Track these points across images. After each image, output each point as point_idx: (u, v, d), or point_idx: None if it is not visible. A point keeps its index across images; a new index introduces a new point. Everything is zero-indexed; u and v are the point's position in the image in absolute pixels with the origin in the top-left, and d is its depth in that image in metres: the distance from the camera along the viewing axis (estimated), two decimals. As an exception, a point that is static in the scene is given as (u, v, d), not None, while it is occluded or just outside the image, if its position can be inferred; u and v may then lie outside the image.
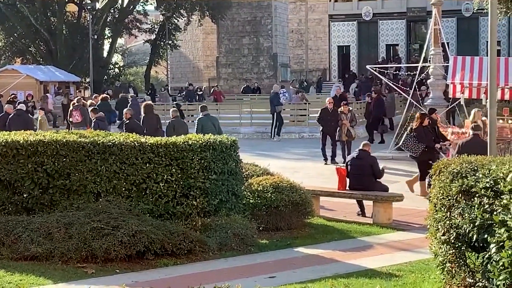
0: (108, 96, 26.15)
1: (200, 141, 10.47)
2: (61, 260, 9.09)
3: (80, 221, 9.50)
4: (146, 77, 58.00)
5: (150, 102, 23.13)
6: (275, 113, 27.67)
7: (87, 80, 48.67)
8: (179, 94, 45.39)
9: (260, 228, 10.95)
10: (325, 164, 19.96)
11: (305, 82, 46.70)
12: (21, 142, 10.43)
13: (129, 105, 23.65)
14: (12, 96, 29.00)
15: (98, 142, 10.39)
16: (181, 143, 10.43)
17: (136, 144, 10.34)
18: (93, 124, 18.41)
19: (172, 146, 10.35)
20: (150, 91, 45.08)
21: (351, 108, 20.79)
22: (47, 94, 35.77)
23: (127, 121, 17.80)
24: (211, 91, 42.91)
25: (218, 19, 53.88)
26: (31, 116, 23.28)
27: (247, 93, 44.31)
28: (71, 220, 9.59)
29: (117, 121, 25.98)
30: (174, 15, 55.50)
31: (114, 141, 10.42)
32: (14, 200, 10.48)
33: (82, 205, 10.12)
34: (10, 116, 19.66)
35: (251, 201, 11.38)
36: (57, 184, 10.38)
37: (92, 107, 20.43)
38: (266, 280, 8.34)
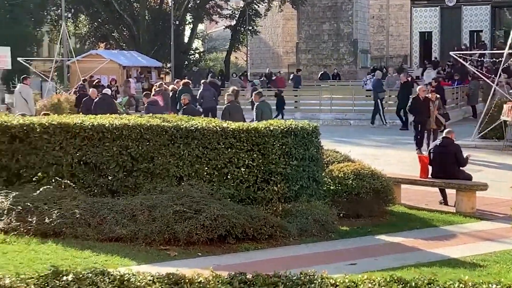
0: (190, 81, 26.41)
1: (282, 127, 10.45)
2: (145, 242, 9.24)
3: (163, 204, 9.62)
4: (226, 62, 58.03)
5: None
6: (378, 100, 27.11)
7: (168, 65, 49.51)
8: (259, 79, 45.51)
9: (341, 215, 10.84)
10: (418, 153, 18.67)
11: (384, 69, 45.89)
12: (106, 125, 10.69)
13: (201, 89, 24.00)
14: (97, 80, 29.58)
15: (181, 126, 10.52)
16: (262, 128, 10.44)
17: (218, 129, 10.41)
18: (144, 108, 18.85)
19: (253, 132, 10.37)
20: (220, 77, 44.86)
21: (438, 96, 20.11)
22: (129, 79, 36.22)
23: (185, 107, 18.01)
24: (273, 78, 42.27)
25: (298, 5, 53.37)
26: (115, 101, 23.90)
27: (325, 79, 43.72)
28: (154, 203, 9.73)
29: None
30: (255, 1, 55.44)
31: (196, 125, 10.53)
32: (99, 182, 10.72)
33: (165, 189, 10.27)
34: (95, 100, 20.07)
35: (331, 187, 11.29)
36: (141, 167, 10.60)
37: (145, 92, 21.09)
38: (347, 267, 8.19)
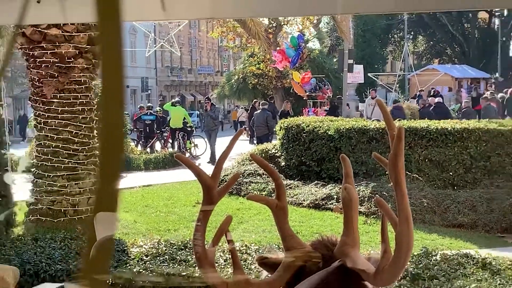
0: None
1: None
2: (484, 229, 9.61)
3: (500, 197, 10.01)
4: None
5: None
6: None
7: (495, 75, 48.99)
8: None
9: None
10: None
11: None
12: (449, 129, 11.26)
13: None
14: (435, 91, 30.23)
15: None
16: None
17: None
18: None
19: None
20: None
21: None
22: (461, 89, 36.93)
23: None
24: None
25: None
26: (448, 108, 24.33)
27: None
28: (492, 196, 10.17)
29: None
30: None
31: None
32: (442, 177, 11.34)
33: (501, 184, 10.66)
34: (432, 107, 20.87)
35: None
36: (479, 165, 11.06)
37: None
38: None
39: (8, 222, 8.40)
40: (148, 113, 22.52)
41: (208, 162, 18.70)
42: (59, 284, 2.87)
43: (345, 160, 1.79)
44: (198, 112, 27.31)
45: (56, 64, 8.93)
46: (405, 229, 1.56)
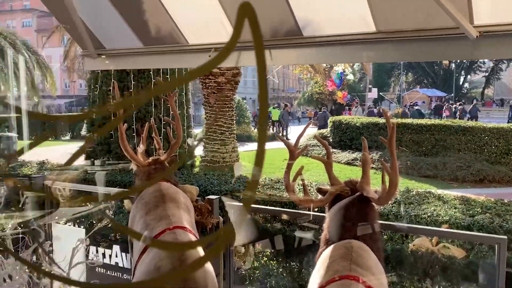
0: None
1: None
2: (441, 179, 13.49)
3: (450, 161, 14.58)
4: None
5: None
6: None
7: (451, 94, 63.19)
8: None
9: None
10: None
11: None
12: (423, 124, 16.42)
13: None
14: (415, 103, 39.51)
15: None
16: None
17: None
18: None
19: None
20: None
21: None
22: (431, 102, 46.34)
23: None
24: None
25: None
26: (422, 112, 35.09)
27: None
28: (446, 160, 14.68)
29: None
30: None
31: None
32: (418, 150, 16.04)
33: (452, 155, 15.24)
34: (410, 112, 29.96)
35: None
36: (439, 144, 15.89)
37: None
38: None
39: (192, 165, 13.13)
40: (259, 112, 35.07)
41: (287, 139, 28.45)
42: (217, 196, 4.07)
43: (364, 140, 2.59)
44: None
45: (215, 86, 14.27)
46: (394, 176, 2.41)
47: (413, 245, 4.91)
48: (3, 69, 22.04)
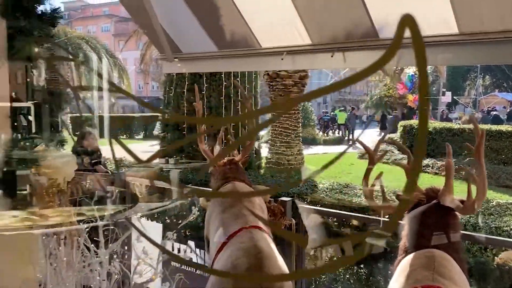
0: None
1: None
2: None
3: None
4: None
5: None
6: None
7: None
8: None
9: None
10: None
11: None
12: (503, 130, 16.11)
13: None
14: (493, 107, 37.82)
15: None
16: None
17: None
18: None
19: None
20: None
21: None
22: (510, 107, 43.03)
23: None
24: None
25: None
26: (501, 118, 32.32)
27: None
28: None
29: None
30: None
31: None
32: (497, 157, 15.70)
33: None
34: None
35: None
36: None
37: None
38: None
39: (258, 166, 14.28)
40: (325, 115, 35.23)
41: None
42: (290, 198, 4.22)
43: (448, 146, 2.46)
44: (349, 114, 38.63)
45: (282, 89, 14.79)
46: (483, 185, 2.33)
47: (500, 259, 4.71)
48: (88, 72, 23.66)
